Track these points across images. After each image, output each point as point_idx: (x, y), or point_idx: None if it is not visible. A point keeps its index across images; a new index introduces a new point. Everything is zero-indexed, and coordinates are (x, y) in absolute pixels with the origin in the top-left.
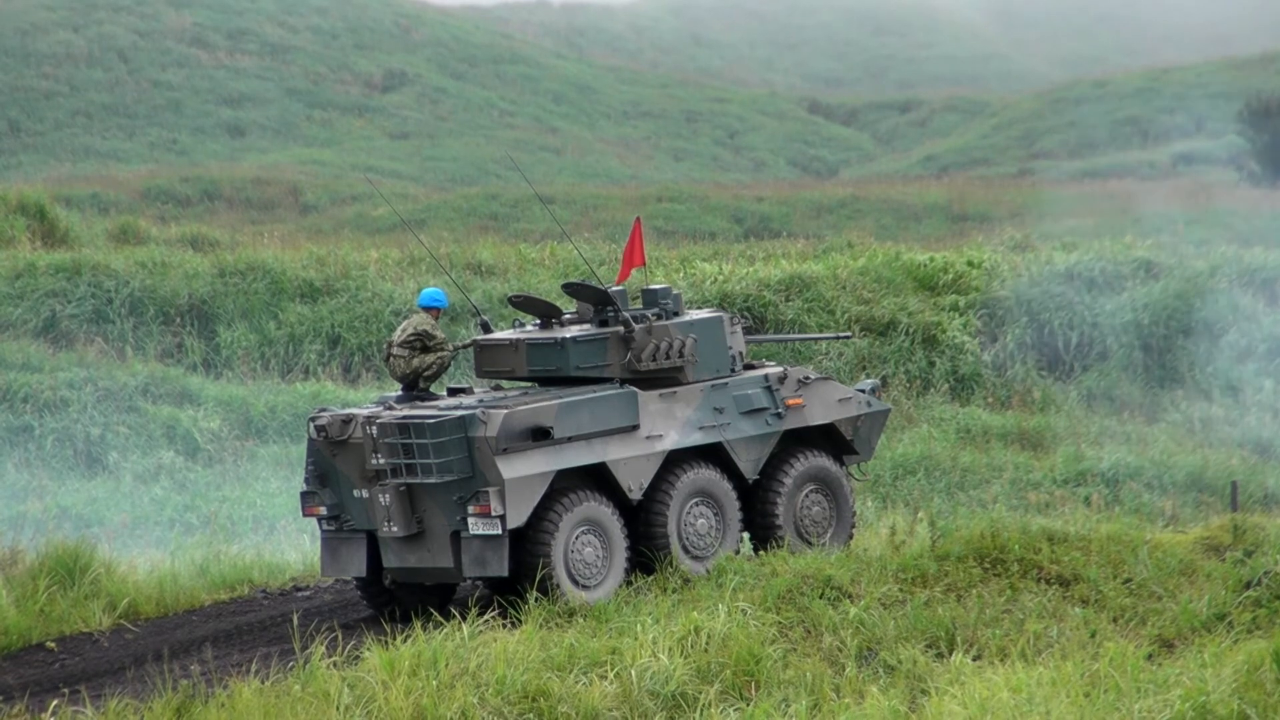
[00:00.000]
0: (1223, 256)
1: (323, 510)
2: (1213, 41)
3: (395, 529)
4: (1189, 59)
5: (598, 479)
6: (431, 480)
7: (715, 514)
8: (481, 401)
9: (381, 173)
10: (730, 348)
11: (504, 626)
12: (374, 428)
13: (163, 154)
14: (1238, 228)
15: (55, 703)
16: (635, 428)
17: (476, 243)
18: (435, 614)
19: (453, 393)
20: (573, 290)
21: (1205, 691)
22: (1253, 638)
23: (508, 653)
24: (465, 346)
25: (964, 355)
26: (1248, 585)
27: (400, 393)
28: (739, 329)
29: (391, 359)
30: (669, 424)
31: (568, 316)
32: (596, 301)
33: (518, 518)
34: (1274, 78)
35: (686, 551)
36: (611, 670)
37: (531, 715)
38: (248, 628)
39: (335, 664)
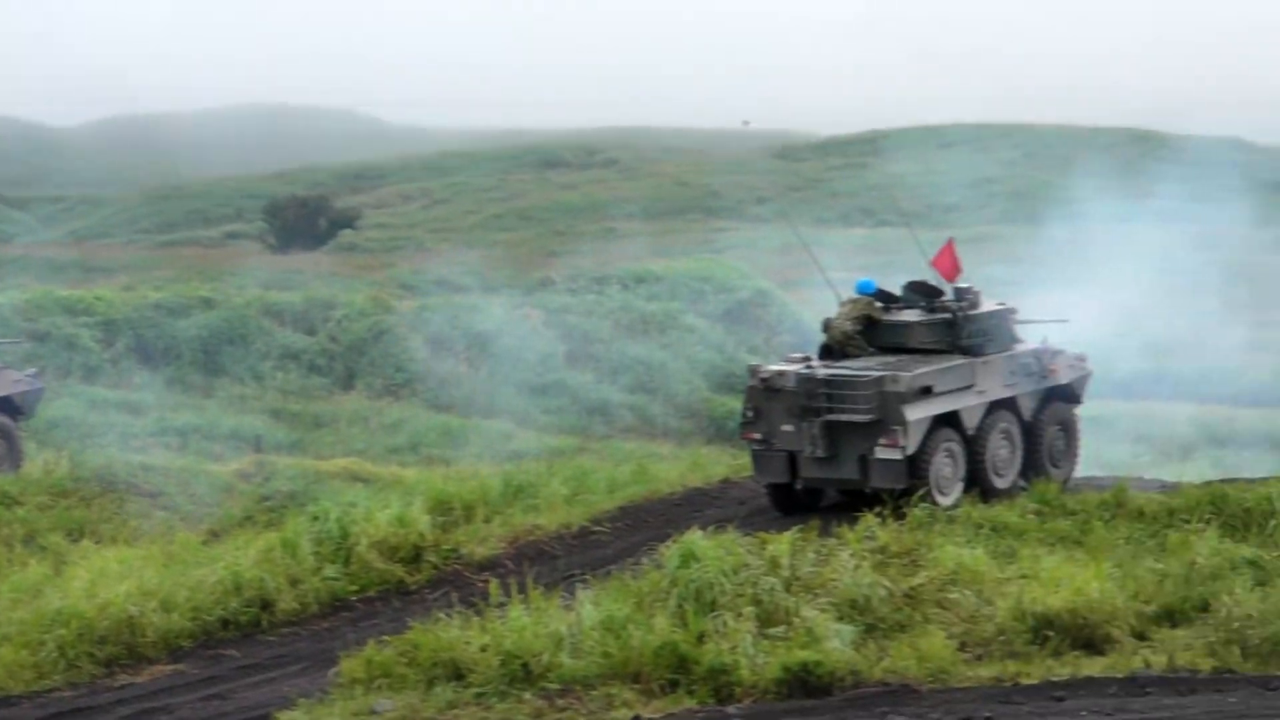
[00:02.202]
0: (253, 295)
1: None
2: (237, 164)
3: None
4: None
5: None
6: None
7: None
8: None
9: None
10: None
11: None
12: None
13: None
14: (263, 278)
15: None
16: None
17: None
18: None
19: None
20: None
21: (239, 563)
22: (269, 531)
23: None
24: None
25: (91, 353)
26: (265, 499)
27: None
28: None
29: None
30: None
31: None
32: None
33: None
34: (283, 186)
35: None
36: None
37: None
38: None
39: None
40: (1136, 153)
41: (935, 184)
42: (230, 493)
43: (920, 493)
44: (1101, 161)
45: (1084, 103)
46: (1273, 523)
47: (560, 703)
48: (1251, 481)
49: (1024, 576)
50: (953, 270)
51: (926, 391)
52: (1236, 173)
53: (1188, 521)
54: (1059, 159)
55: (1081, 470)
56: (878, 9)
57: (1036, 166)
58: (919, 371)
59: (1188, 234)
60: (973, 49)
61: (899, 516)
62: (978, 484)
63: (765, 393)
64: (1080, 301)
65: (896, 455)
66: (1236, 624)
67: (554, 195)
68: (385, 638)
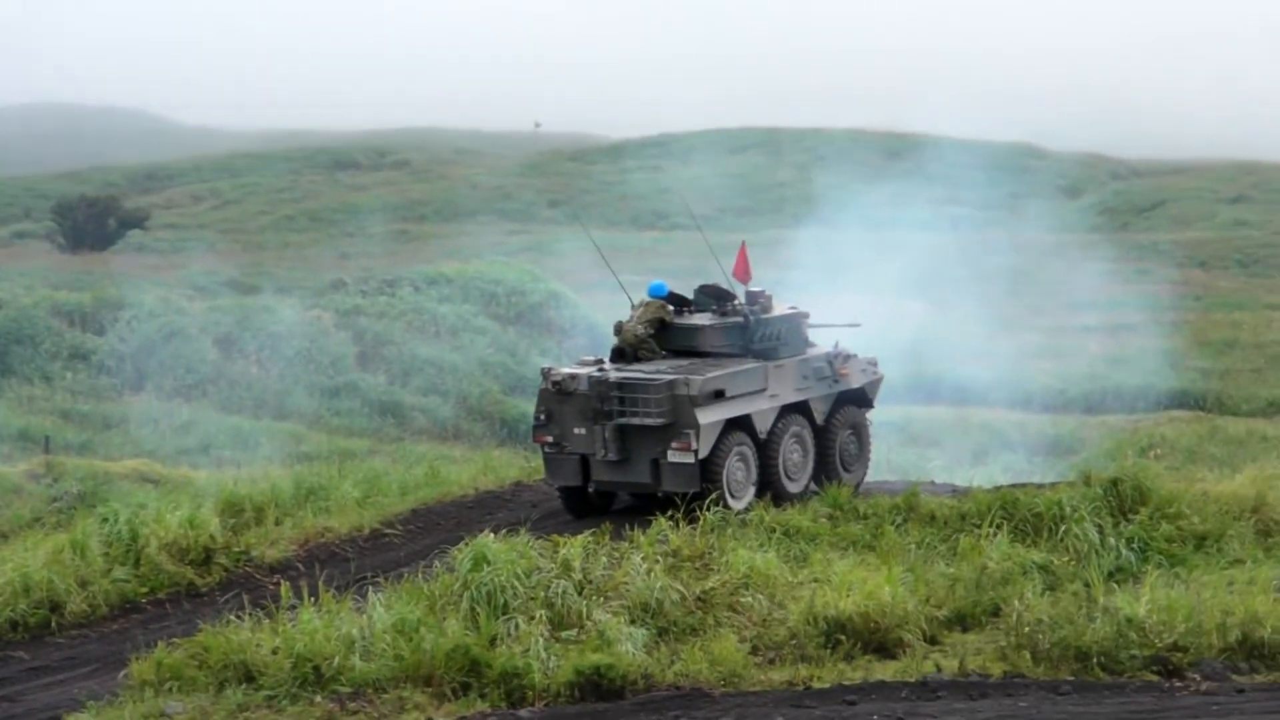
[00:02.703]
0: (42, 295)
1: None
2: (26, 162)
3: None
4: (43, 171)
5: None
6: None
7: None
8: None
9: None
10: None
11: None
12: None
13: None
14: (51, 278)
15: None
16: None
17: None
18: None
19: None
20: None
21: (27, 564)
22: (58, 532)
23: None
24: None
25: None
26: (54, 500)
27: None
28: None
29: None
30: None
31: None
32: None
33: None
34: (73, 185)
35: None
36: None
37: None
38: None
39: None
40: (928, 158)
41: (727, 187)
42: (19, 494)
43: (712, 496)
44: (890, 167)
45: (875, 106)
46: (1063, 528)
47: (351, 705)
48: (1041, 486)
49: (816, 580)
50: (745, 274)
51: (719, 395)
52: (1026, 178)
53: (978, 526)
54: (850, 163)
55: (873, 474)
56: (668, 10)
57: (827, 171)
58: (711, 375)
59: (977, 239)
60: (762, 52)
61: (691, 520)
62: (770, 488)
63: (557, 395)
64: (867, 306)
65: (688, 459)
66: (1027, 629)
67: (345, 196)
68: (175, 640)
